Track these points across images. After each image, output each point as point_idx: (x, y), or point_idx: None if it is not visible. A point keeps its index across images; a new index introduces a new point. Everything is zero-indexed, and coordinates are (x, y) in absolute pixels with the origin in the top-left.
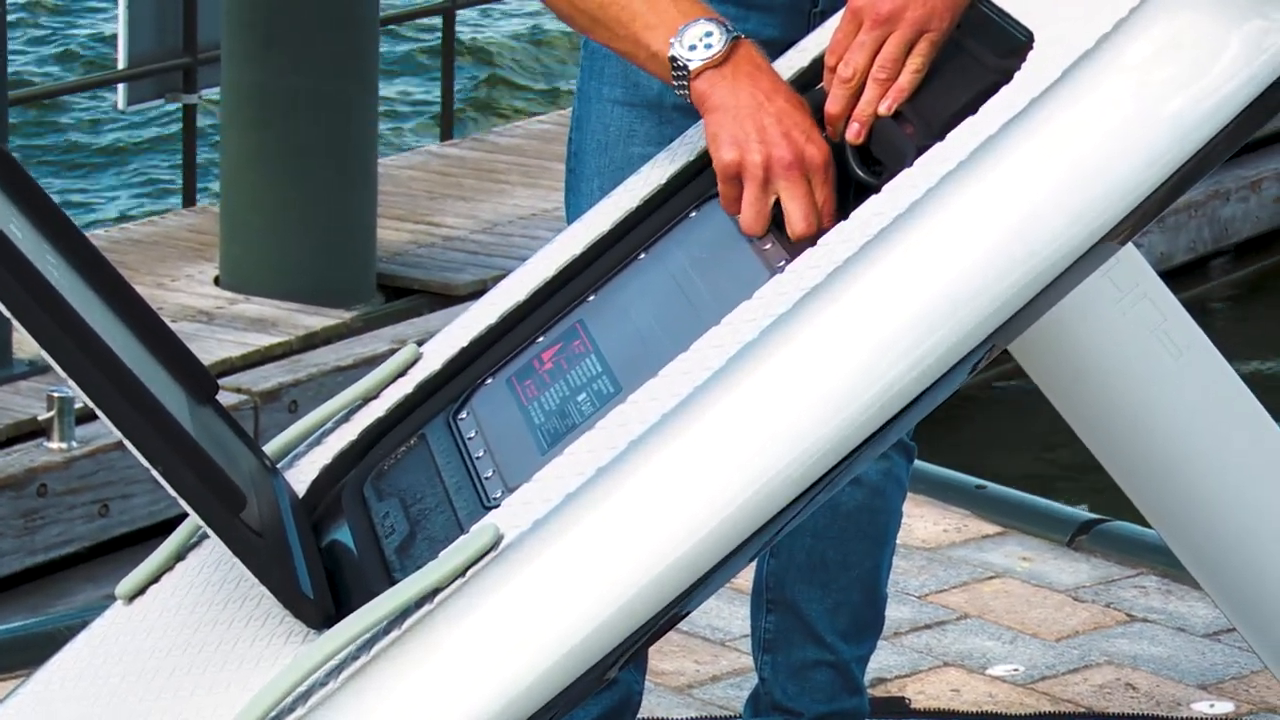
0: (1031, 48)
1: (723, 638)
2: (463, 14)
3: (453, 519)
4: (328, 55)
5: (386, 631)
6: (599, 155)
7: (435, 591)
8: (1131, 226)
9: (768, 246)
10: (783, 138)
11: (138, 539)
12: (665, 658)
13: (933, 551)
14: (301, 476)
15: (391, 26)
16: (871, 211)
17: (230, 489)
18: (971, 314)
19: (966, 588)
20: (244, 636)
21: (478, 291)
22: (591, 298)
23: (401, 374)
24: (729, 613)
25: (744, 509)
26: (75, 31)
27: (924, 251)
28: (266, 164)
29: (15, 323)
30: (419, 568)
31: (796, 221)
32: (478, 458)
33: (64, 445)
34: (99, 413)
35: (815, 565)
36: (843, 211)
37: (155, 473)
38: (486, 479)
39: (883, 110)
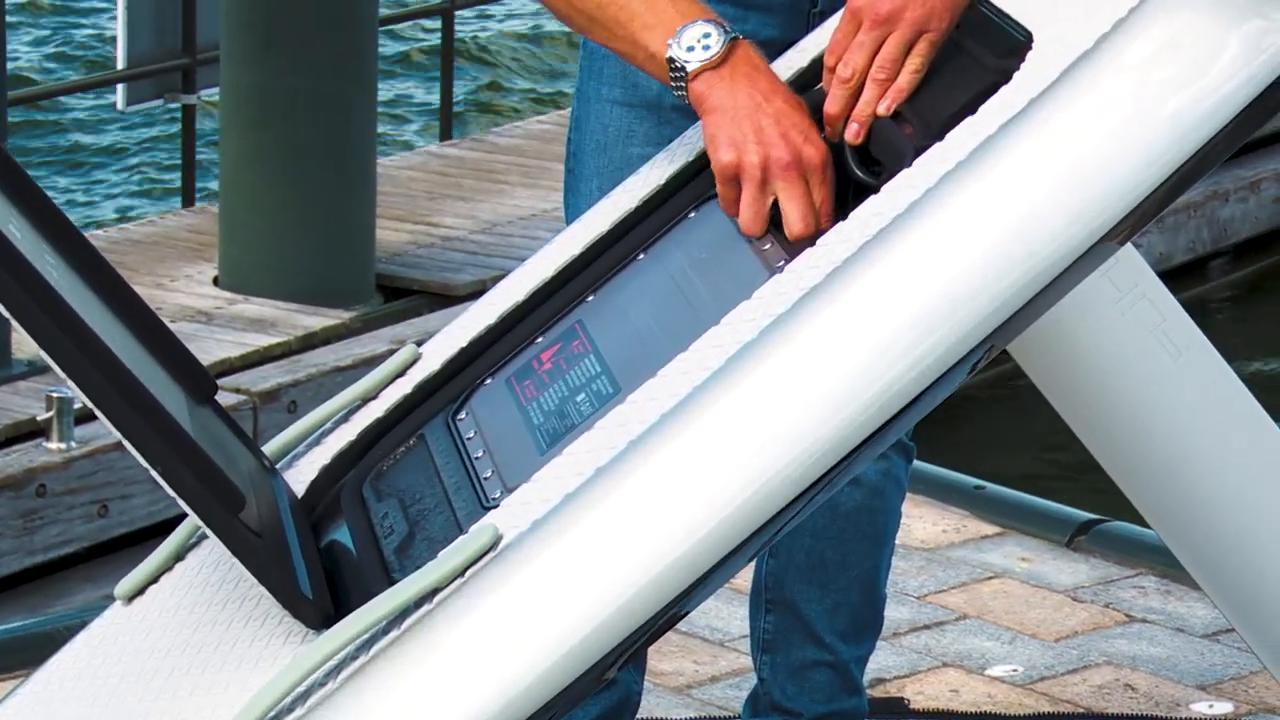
0: (1030, 48)
1: (722, 638)
2: (462, 14)
3: (452, 519)
4: (327, 56)
5: (385, 632)
6: (598, 155)
7: (434, 592)
8: (1131, 227)
9: (767, 247)
10: (780, 138)
11: (137, 539)
12: (664, 658)
13: (932, 552)
14: (300, 477)
15: (391, 27)
16: (870, 212)
17: (229, 489)
18: (970, 314)
19: (965, 588)
20: (243, 637)
21: (477, 292)
22: (590, 298)
23: (400, 374)
24: (728, 613)
25: (743, 509)
26: (75, 31)
27: (923, 252)
28: (265, 164)
29: (14, 323)
30: (418, 568)
31: (794, 222)
32: (477, 458)
33: (63, 445)
34: (98, 413)
35: (814, 565)
36: (842, 212)
37: (154, 473)
38: (485, 479)
39: (882, 110)
